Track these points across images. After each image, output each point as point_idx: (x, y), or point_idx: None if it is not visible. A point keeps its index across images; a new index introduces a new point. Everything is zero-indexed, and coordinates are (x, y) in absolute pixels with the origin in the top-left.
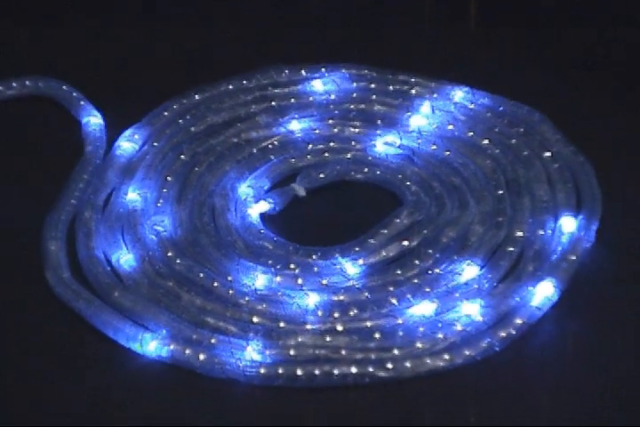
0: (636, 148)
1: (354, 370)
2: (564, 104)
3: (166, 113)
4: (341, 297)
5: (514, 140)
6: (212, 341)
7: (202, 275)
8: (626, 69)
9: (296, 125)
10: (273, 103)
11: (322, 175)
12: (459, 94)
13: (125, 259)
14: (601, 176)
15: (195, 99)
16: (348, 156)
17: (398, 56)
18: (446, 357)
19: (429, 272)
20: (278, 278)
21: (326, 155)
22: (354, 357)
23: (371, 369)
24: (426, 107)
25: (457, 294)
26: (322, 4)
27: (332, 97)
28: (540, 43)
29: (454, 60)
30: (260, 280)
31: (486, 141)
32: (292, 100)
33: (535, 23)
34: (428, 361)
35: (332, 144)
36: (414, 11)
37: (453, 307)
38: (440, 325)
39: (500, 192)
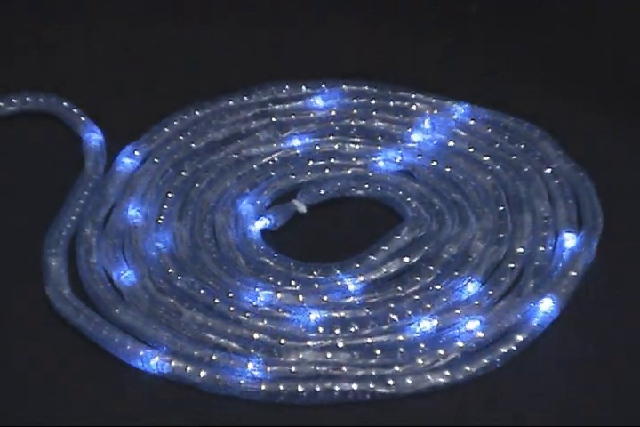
0: (637, 163)
1: (355, 387)
2: (564, 120)
3: (167, 129)
4: (342, 313)
5: (514, 157)
6: (213, 357)
7: (203, 291)
8: (628, 85)
9: (297, 142)
10: (273, 119)
11: (322, 191)
12: (459, 110)
13: (126, 275)
14: (602, 192)
15: (195, 115)
16: (349, 172)
17: (398, 72)
18: (447, 373)
19: (430, 289)
20: (279, 295)
21: (327, 171)
22: (355, 373)
23: (371, 386)
24: (426, 123)
25: (458, 311)
26: (322, 18)
27: (333, 113)
28: (540, 58)
29: (455, 76)
30: (260, 297)
31: (487, 157)
32: (293, 116)
33: (536, 39)
34: (429, 377)
35: (332, 160)
36: (415, 27)
37: (454, 323)
38: (441, 341)
39: (501, 208)
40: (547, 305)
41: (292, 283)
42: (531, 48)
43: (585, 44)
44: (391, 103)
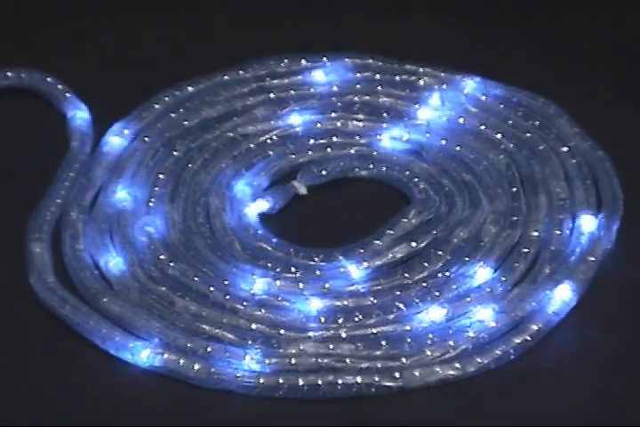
0: None
1: (359, 380)
2: (581, 95)
3: (158, 106)
4: (345, 302)
5: (529, 134)
6: (208, 349)
7: (196, 279)
8: None
9: (296, 119)
10: (271, 95)
11: (324, 172)
12: (470, 85)
13: (114, 262)
14: (621, 172)
15: (188, 91)
16: (352, 151)
17: (405, 44)
18: (457, 365)
19: (439, 275)
20: (278, 282)
21: (329, 150)
22: (359, 366)
23: (377, 379)
24: (435, 98)
25: (469, 299)
26: None
27: (335, 88)
28: (557, 30)
29: (465, 49)
30: (258, 284)
31: (499, 135)
32: (292, 91)
33: (554, 11)
34: (438, 370)
35: (334, 139)
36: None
37: (465, 312)
38: (451, 331)
39: (515, 189)
40: (564, 292)
41: (292, 270)
42: (547, 19)
43: (607, 17)
44: (397, 77)
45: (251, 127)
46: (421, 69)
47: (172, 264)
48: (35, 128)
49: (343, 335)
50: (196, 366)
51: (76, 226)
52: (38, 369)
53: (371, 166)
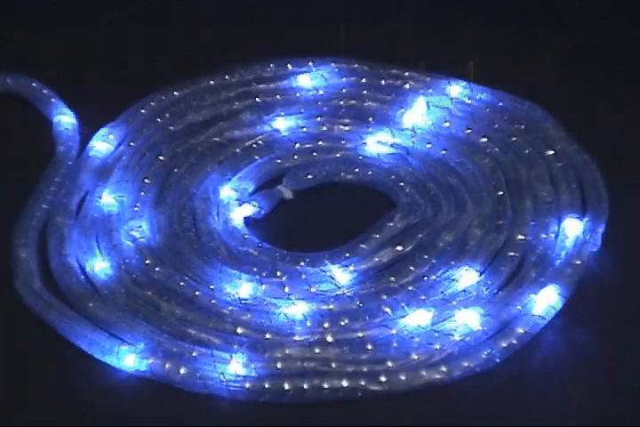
0: None
1: (345, 384)
2: (567, 99)
3: (144, 111)
4: (331, 306)
5: (514, 138)
6: (194, 354)
7: (182, 283)
8: (633, 64)
9: (282, 123)
10: (257, 100)
11: (310, 176)
12: (455, 89)
13: (100, 267)
14: (607, 176)
15: (174, 95)
16: (338, 155)
17: (391, 48)
18: (443, 369)
19: (425, 279)
20: (264, 287)
21: (314, 154)
22: (345, 370)
23: (363, 383)
24: (420, 102)
25: (454, 302)
26: None
27: (321, 93)
28: (542, 34)
29: (451, 53)
30: (244, 289)
31: (485, 139)
32: (278, 96)
33: (539, 14)
34: (424, 374)
35: (320, 143)
36: (408, 3)
37: (451, 316)
38: (437, 335)
39: (500, 193)
40: (549, 296)
41: (278, 274)
42: (532, 23)
43: (592, 21)
44: (383, 82)
45: (237, 132)
46: (407, 74)
47: (157, 269)
48: (20, 133)
49: (329, 339)
50: (182, 371)
51: (61, 231)
52: (24, 374)
53: (356, 171)
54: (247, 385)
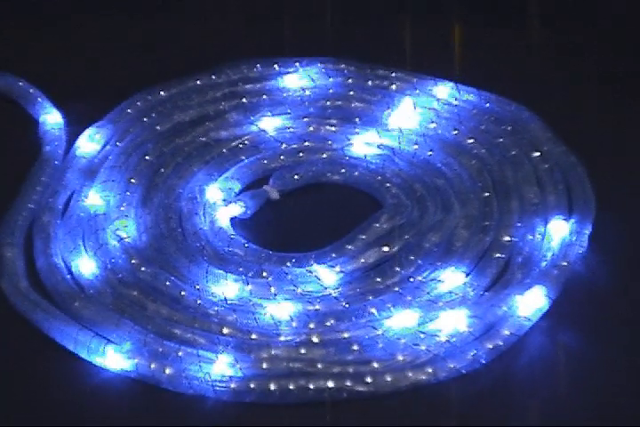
0: (631, 147)
1: (330, 384)
2: (554, 101)
3: (130, 110)
4: (317, 307)
5: (501, 139)
6: (180, 354)
7: (168, 283)
8: (620, 66)
9: (269, 124)
10: (244, 100)
11: (296, 177)
12: (442, 90)
13: (87, 267)
14: (594, 177)
15: (160, 95)
16: (324, 156)
17: (377, 49)
18: (429, 370)
19: (411, 280)
20: (250, 287)
21: (301, 155)
22: (330, 370)
23: (348, 383)
24: (407, 103)
25: (440, 303)
26: None
27: (307, 93)
28: (530, 35)
29: (437, 54)
30: (230, 289)
31: (471, 140)
32: (265, 96)
33: (525, 16)
34: (410, 375)
35: (307, 144)
36: (396, 1)
37: (437, 317)
38: (422, 336)
39: (487, 194)
40: (536, 297)
41: (264, 274)
42: (519, 25)
43: (578, 23)
44: (369, 82)
45: (223, 132)
46: (394, 74)
47: (143, 269)
48: (6, 132)
49: (315, 340)
50: (168, 371)
51: (47, 230)
52: (8, 373)
53: (343, 171)
54: (233, 385)
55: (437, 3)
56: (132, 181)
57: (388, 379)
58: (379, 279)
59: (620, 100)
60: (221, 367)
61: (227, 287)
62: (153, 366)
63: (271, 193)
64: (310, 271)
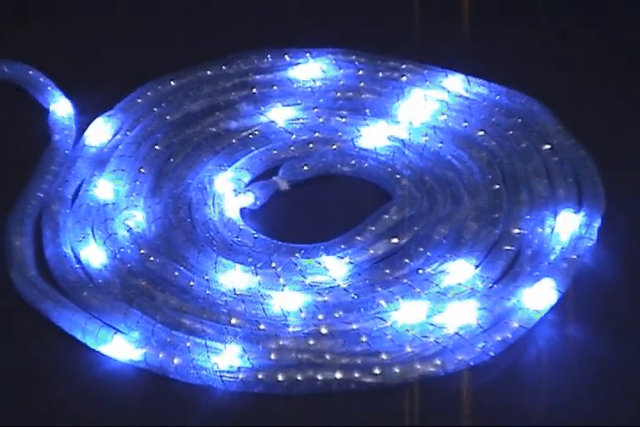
0: None
1: (339, 376)
2: (564, 93)
3: (140, 100)
4: (326, 298)
5: (511, 132)
6: (188, 344)
7: (177, 273)
8: (630, 59)
9: (279, 114)
10: (254, 90)
11: (306, 168)
12: (453, 82)
13: (95, 256)
14: (603, 170)
15: (171, 85)
16: (334, 147)
17: (388, 41)
18: (437, 362)
19: (420, 272)
20: (259, 278)
21: (311, 146)
22: (339, 362)
23: (357, 375)
24: (417, 95)
25: (449, 295)
26: None
27: (318, 84)
28: (541, 28)
29: (448, 46)
30: (239, 279)
31: (482, 133)
32: (275, 87)
33: (538, 9)
34: (418, 367)
35: (316, 135)
36: None
37: (445, 309)
38: (431, 328)
39: (497, 187)
40: (545, 290)
41: (273, 265)
42: (530, 17)
43: (590, 18)
44: (380, 74)
45: (233, 122)
46: (404, 66)
47: (152, 258)
48: (17, 121)
49: (323, 331)
50: (176, 361)
51: (57, 219)
52: (17, 363)
53: (352, 163)
54: (241, 376)
55: None
56: (142, 170)
57: (397, 371)
58: (388, 271)
59: (631, 94)
60: (230, 358)
61: (236, 278)
62: (161, 356)
63: (281, 184)
64: (319, 262)
